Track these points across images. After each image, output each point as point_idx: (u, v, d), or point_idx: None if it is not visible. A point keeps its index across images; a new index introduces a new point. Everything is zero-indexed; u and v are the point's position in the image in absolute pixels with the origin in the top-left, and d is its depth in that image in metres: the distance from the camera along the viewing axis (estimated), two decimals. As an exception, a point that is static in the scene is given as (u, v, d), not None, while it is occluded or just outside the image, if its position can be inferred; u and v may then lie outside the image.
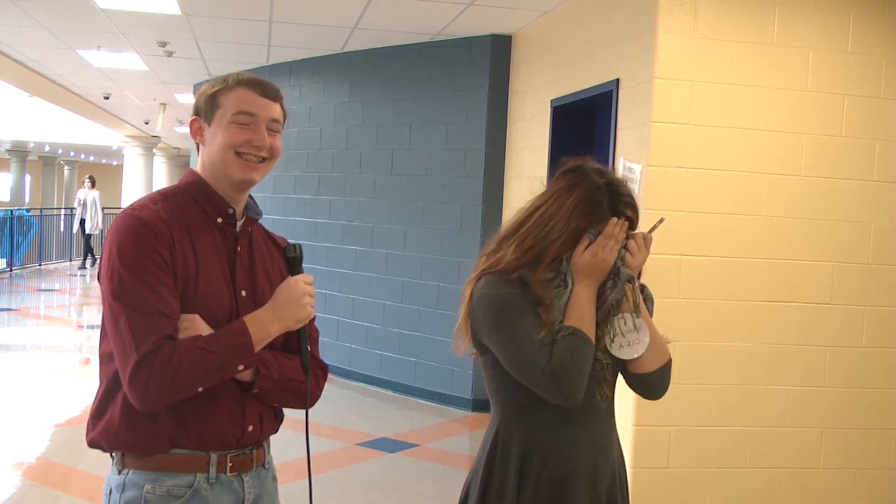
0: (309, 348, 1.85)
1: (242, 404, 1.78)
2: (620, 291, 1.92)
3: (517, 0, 5.48)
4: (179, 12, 6.34)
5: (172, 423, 1.70)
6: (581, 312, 1.88)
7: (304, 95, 7.97)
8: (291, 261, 1.88)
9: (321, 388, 1.90)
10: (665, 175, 4.16)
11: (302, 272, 1.88)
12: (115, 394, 1.72)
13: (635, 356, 1.93)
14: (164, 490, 1.71)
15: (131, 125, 17.31)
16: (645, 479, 4.18)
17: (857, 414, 4.40)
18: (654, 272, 4.07)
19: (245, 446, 1.81)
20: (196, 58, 8.28)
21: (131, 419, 1.70)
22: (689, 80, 4.16)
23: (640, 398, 2.06)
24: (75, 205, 16.68)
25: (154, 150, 20.91)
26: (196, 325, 1.68)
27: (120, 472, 1.75)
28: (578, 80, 5.14)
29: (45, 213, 18.44)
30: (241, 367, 1.70)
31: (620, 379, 2.03)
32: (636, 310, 1.93)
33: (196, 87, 10.13)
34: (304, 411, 1.86)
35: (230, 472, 1.78)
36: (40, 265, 16.75)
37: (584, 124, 5.51)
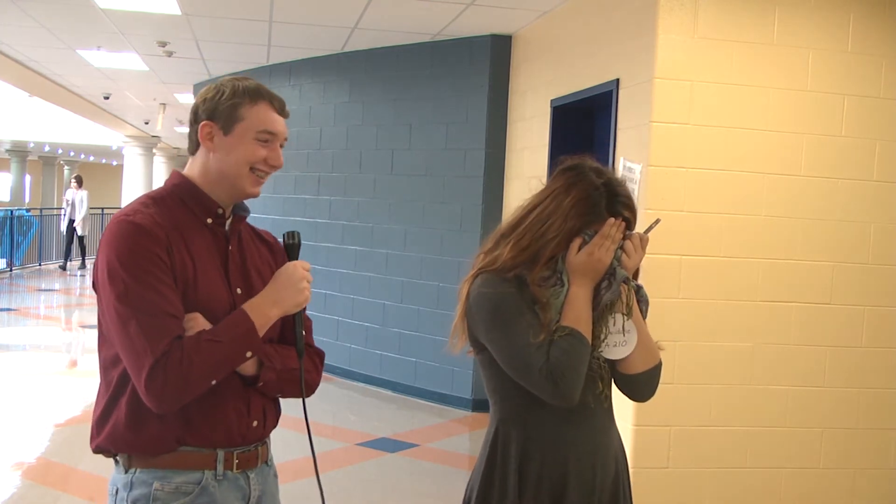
0: (304, 333, 1.86)
1: (247, 399, 1.80)
2: (615, 292, 1.91)
3: (517, 0, 5.48)
4: (179, 12, 6.34)
5: (179, 422, 1.72)
6: (578, 312, 1.87)
7: (304, 95, 7.97)
8: (290, 247, 1.89)
9: (320, 375, 1.93)
10: (665, 175, 4.16)
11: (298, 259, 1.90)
12: (119, 398, 1.73)
13: (619, 357, 1.93)
14: (173, 487, 1.73)
15: (131, 125, 17.31)
16: (645, 479, 4.18)
17: (857, 414, 4.40)
18: (654, 272, 4.07)
19: (250, 442, 1.83)
20: (196, 58, 8.28)
21: (137, 421, 1.71)
22: (689, 80, 4.16)
23: (640, 398, 2.06)
24: (63, 205, 16.63)
25: (154, 150, 20.91)
26: (199, 324, 1.70)
27: (127, 472, 1.76)
28: (578, 80, 5.14)
29: (45, 213, 18.45)
30: (248, 354, 1.73)
31: None
32: (628, 312, 1.93)
33: (196, 87, 10.13)
34: (299, 409, 1.87)
35: (237, 468, 1.80)
36: (40, 265, 16.75)
37: (584, 124, 5.51)
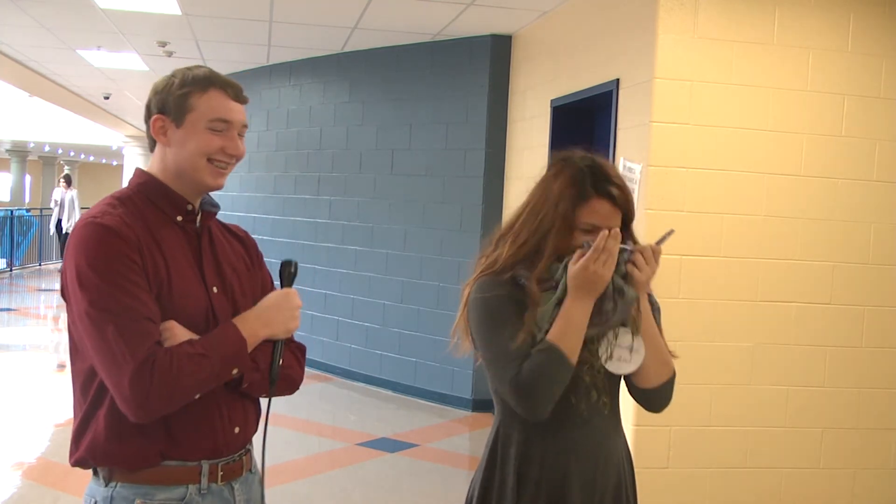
0: (281, 362, 1.77)
1: (228, 405, 1.74)
2: (624, 314, 1.85)
3: (517, 0, 5.48)
4: (179, 12, 6.34)
5: (162, 435, 1.66)
6: (565, 328, 1.81)
7: (304, 95, 7.97)
8: (288, 275, 1.84)
9: (303, 370, 1.87)
10: (665, 175, 4.16)
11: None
12: (97, 411, 1.67)
13: (624, 373, 1.91)
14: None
15: (131, 125, 17.29)
16: (645, 479, 4.16)
17: (857, 414, 4.40)
18: (654, 272, 4.07)
19: (234, 451, 1.78)
20: (196, 58, 8.27)
21: (118, 434, 1.65)
22: (689, 80, 4.16)
23: (640, 398, 2.05)
24: (51, 205, 16.50)
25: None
26: (175, 335, 1.63)
27: (107, 485, 1.70)
28: (578, 80, 5.14)
29: (45, 213, 18.40)
30: (234, 372, 1.68)
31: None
32: (636, 330, 1.88)
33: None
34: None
35: (221, 480, 1.75)
36: (40, 265, 16.75)
37: (584, 124, 5.51)
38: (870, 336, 4.39)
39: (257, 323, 1.72)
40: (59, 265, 16.48)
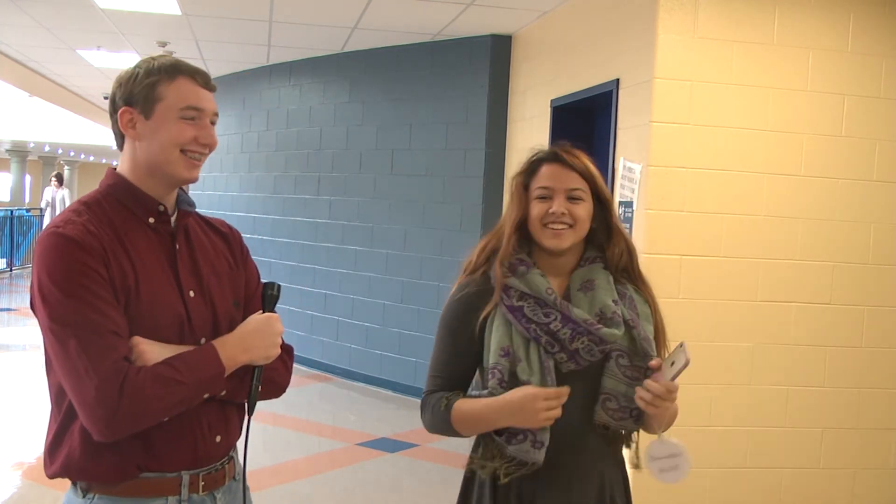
0: (260, 389, 1.71)
1: (209, 414, 1.68)
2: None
3: (517, 0, 5.48)
4: (179, 12, 6.34)
5: (139, 447, 1.60)
6: (475, 421, 1.96)
7: (304, 95, 7.97)
8: (269, 298, 1.75)
9: (290, 373, 1.82)
10: (665, 175, 4.16)
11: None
12: (71, 425, 1.61)
13: (680, 480, 2.00)
14: None
15: (131, 125, 17.27)
16: (645, 479, 4.17)
17: (857, 414, 4.40)
18: (654, 272, 4.07)
19: (216, 460, 1.72)
20: (196, 58, 8.27)
21: (94, 449, 1.58)
22: (689, 80, 4.16)
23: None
24: (42, 205, 16.34)
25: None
26: (142, 351, 1.56)
27: (85, 496, 1.66)
28: (578, 80, 5.14)
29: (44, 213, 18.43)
30: (206, 396, 1.61)
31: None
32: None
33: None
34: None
35: (202, 490, 1.69)
36: (40, 265, 16.71)
37: (584, 124, 5.50)
38: (870, 336, 4.39)
39: (237, 348, 1.64)
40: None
